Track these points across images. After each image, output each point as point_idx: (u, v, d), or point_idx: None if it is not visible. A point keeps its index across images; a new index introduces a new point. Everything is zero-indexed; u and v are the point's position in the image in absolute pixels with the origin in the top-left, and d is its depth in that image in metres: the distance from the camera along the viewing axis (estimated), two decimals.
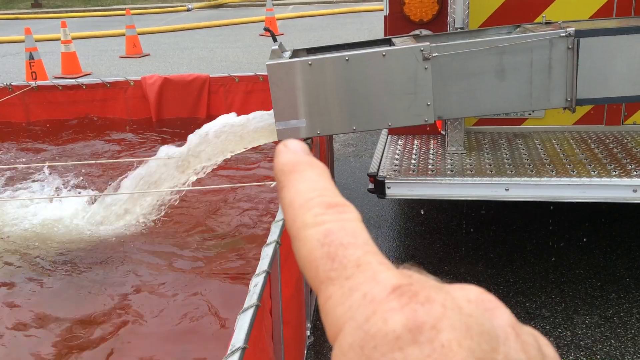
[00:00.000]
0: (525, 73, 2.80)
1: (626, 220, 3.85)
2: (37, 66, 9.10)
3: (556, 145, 3.43)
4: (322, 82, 2.80)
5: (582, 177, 2.94)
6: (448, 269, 3.42)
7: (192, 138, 3.14)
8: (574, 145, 3.41)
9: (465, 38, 2.98)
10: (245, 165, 4.44)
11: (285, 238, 2.10)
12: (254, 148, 3.10)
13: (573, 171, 3.02)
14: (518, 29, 3.08)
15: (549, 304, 3.06)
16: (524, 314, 2.99)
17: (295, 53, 3.02)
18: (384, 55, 2.77)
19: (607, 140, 3.45)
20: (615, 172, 2.98)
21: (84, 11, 21.27)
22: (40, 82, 5.46)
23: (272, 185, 2.84)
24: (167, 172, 3.23)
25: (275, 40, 2.95)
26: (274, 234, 2.00)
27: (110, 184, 3.75)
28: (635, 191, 2.87)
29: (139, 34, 11.87)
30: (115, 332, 2.70)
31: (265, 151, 4.47)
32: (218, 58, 10.79)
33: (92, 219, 3.57)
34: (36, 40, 9.38)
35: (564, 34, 2.75)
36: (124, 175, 3.59)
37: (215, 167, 3.21)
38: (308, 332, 2.81)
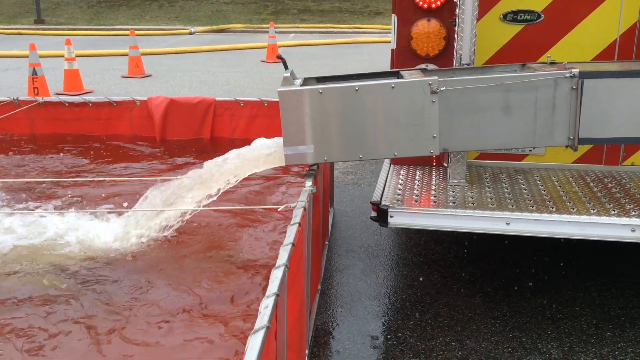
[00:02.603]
0: (529, 111, 2.88)
1: (623, 259, 3.89)
2: (40, 82, 9.16)
3: (556, 182, 3.49)
4: (331, 111, 2.86)
5: (582, 215, 2.99)
6: (445, 300, 3.44)
7: (209, 163, 3.20)
8: (574, 183, 3.47)
9: (472, 74, 3.06)
10: (254, 188, 4.47)
11: (293, 262, 2.12)
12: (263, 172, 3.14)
13: (573, 208, 3.07)
14: (523, 67, 3.16)
15: (544, 339, 3.08)
16: (520, 349, 3.00)
17: (306, 81, 3.09)
18: (393, 87, 2.84)
19: (606, 180, 3.52)
20: (614, 211, 3.03)
21: (87, 30, 21.44)
22: (46, 98, 5.50)
23: (279, 209, 2.87)
24: (179, 192, 3.27)
25: (286, 67, 3.01)
26: (282, 257, 2.03)
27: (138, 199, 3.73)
28: (633, 231, 2.92)
29: (142, 54, 11.98)
30: (122, 348, 2.70)
31: (274, 175, 4.50)
32: (220, 82, 10.89)
33: (100, 236, 3.58)
34: (40, 57, 9.46)
35: (568, 75, 2.83)
36: (149, 191, 3.60)
37: (226, 189, 3.24)
38: (306, 359, 2.82)
